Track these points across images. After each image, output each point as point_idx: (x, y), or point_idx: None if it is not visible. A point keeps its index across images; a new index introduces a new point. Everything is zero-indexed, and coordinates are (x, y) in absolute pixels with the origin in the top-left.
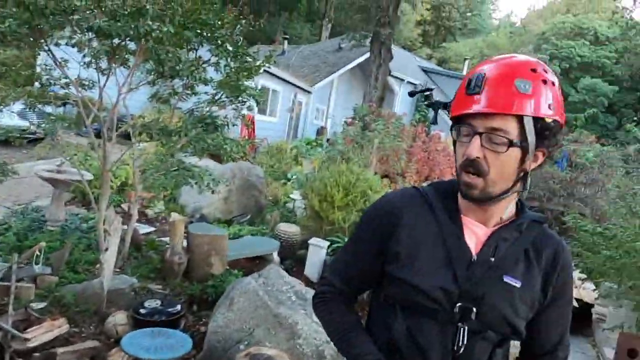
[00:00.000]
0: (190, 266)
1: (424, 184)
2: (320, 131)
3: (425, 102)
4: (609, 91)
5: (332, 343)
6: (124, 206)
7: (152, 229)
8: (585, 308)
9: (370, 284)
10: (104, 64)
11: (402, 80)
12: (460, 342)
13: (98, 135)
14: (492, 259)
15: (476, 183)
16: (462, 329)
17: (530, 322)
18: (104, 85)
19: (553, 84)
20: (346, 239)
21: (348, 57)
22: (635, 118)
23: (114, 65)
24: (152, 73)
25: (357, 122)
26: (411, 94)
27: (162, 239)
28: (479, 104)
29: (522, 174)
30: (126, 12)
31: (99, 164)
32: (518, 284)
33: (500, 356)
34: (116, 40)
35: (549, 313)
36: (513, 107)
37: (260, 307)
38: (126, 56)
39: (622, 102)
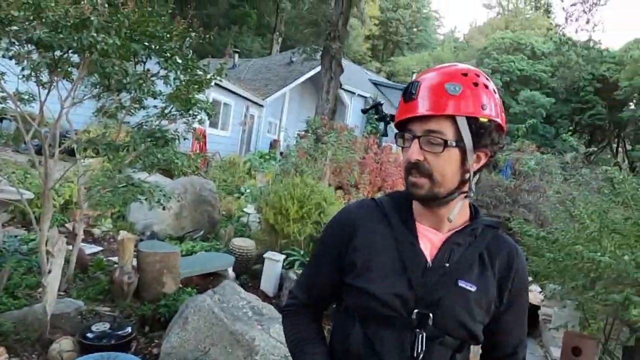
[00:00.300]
0: (140, 286)
1: (378, 195)
2: (274, 144)
3: (376, 117)
4: (547, 103)
5: (290, 358)
6: (69, 225)
7: (100, 248)
8: (532, 310)
9: (332, 296)
10: (45, 77)
11: (353, 93)
12: (419, 349)
13: (39, 151)
14: (447, 265)
15: (422, 183)
16: (420, 335)
17: (490, 327)
18: (45, 99)
19: (486, 86)
20: (302, 252)
21: (299, 71)
22: (570, 128)
23: (55, 78)
24: (97, 86)
25: (310, 134)
26: (364, 111)
27: (111, 258)
28: (414, 109)
29: (466, 175)
30: (69, 24)
31: (40, 182)
32: (473, 288)
33: None
34: (58, 53)
35: (507, 317)
36: (443, 108)
37: (216, 325)
38: (69, 69)
39: (558, 112)
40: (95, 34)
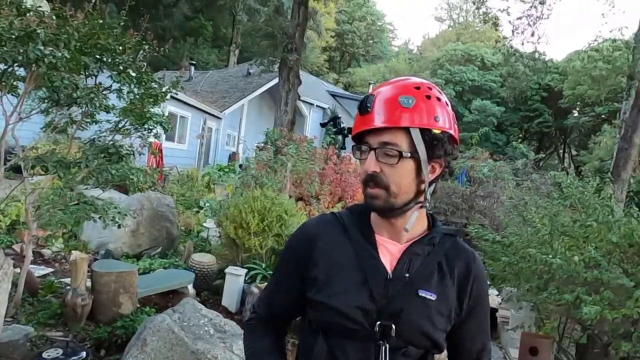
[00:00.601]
0: (95, 307)
1: (339, 204)
2: (233, 157)
3: (334, 130)
4: (497, 111)
5: None
6: (16, 247)
7: (51, 270)
8: (490, 312)
9: (294, 311)
10: None
11: (312, 104)
12: None
13: None
14: (407, 275)
15: (379, 194)
16: (383, 347)
17: (453, 334)
18: None
19: (438, 99)
20: (264, 265)
21: (257, 83)
22: (520, 135)
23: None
24: (46, 101)
25: (269, 146)
26: (322, 125)
27: (63, 280)
28: (370, 122)
29: (422, 185)
30: (13, 36)
31: None
32: (433, 297)
33: None
34: (2, 66)
35: (469, 323)
36: (397, 120)
37: (177, 345)
38: (14, 83)
39: (508, 121)
40: (42, 47)
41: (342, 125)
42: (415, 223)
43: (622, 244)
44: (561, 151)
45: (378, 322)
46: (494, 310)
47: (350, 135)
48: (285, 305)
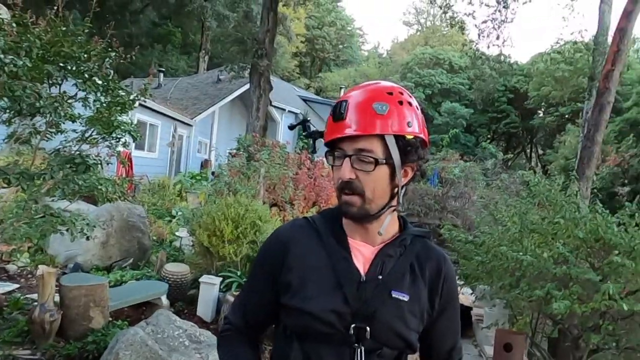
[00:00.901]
0: (65, 323)
1: (313, 209)
2: (205, 164)
3: (304, 133)
4: (466, 113)
5: None
6: None
7: (16, 286)
8: (465, 311)
9: (268, 318)
10: None
11: (284, 109)
12: None
13: None
14: (380, 277)
15: (354, 201)
16: (358, 349)
17: (424, 333)
18: None
19: (410, 104)
20: (239, 273)
21: (228, 89)
22: (488, 136)
23: None
24: (7, 111)
25: (241, 152)
26: (291, 127)
27: (29, 296)
28: (344, 129)
29: (395, 189)
30: None
31: None
32: (406, 298)
33: None
34: None
35: (439, 323)
36: (372, 127)
37: (151, 358)
38: None
39: (477, 122)
40: (2, 56)
41: (311, 129)
42: (387, 226)
43: (588, 239)
44: (528, 151)
45: (352, 325)
46: (468, 309)
47: (321, 139)
48: (260, 314)
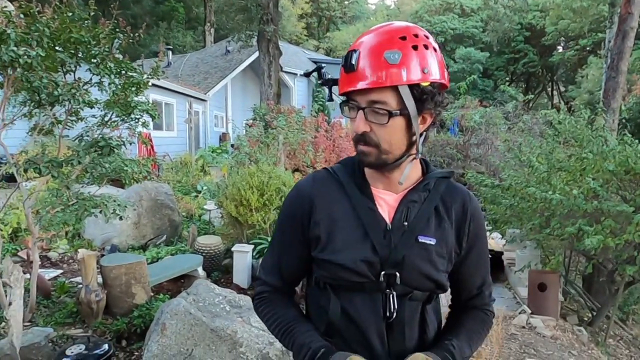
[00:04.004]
0: (110, 301)
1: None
2: (223, 137)
3: (319, 81)
4: (482, 57)
5: (275, 343)
6: (22, 254)
7: (60, 271)
8: (496, 256)
9: (302, 273)
10: None
11: (295, 74)
12: (392, 308)
13: None
14: (405, 223)
15: (370, 151)
16: (390, 295)
17: (454, 272)
18: None
19: (426, 47)
20: (269, 239)
21: (237, 59)
22: (507, 79)
23: None
24: (27, 104)
25: (258, 122)
26: (306, 75)
27: (74, 279)
28: (356, 82)
29: (413, 138)
30: None
31: None
32: (433, 242)
33: (431, 311)
34: None
35: (469, 261)
36: (384, 79)
37: (195, 325)
38: None
39: (494, 65)
40: (15, 48)
41: (327, 76)
42: (409, 173)
43: (618, 172)
44: (549, 89)
45: (382, 272)
46: (499, 254)
47: (336, 87)
48: (295, 268)
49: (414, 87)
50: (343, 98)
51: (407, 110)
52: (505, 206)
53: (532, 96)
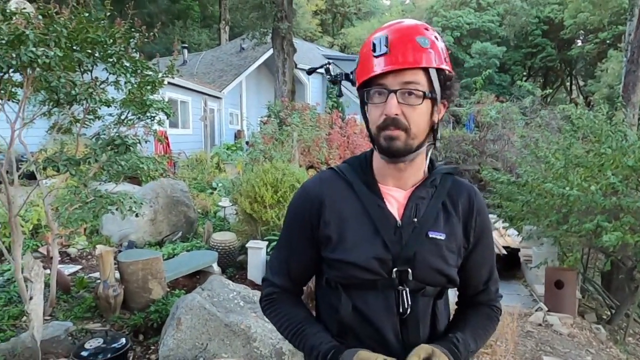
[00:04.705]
0: (127, 296)
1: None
2: (238, 135)
3: (328, 77)
4: (499, 52)
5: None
6: (42, 250)
7: (79, 267)
8: (513, 254)
9: (311, 273)
10: None
11: None
12: (405, 304)
13: None
14: (415, 220)
15: (399, 135)
16: (403, 291)
17: (461, 268)
18: None
19: (437, 39)
20: None
21: (252, 57)
22: (524, 73)
23: (0, 101)
24: (47, 103)
25: (272, 119)
26: (309, 72)
27: (92, 275)
28: (390, 63)
29: (433, 125)
30: (3, 41)
31: (4, 211)
32: (442, 237)
33: (441, 306)
34: None
35: (475, 255)
36: (419, 60)
37: (210, 320)
38: (13, 89)
39: (511, 60)
40: (34, 48)
41: (335, 73)
42: (417, 168)
43: (638, 167)
44: (568, 84)
45: (395, 269)
46: (516, 251)
47: (352, 83)
48: (303, 269)
49: (440, 72)
50: (355, 93)
51: (435, 93)
52: (521, 202)
53: (550, 91)
